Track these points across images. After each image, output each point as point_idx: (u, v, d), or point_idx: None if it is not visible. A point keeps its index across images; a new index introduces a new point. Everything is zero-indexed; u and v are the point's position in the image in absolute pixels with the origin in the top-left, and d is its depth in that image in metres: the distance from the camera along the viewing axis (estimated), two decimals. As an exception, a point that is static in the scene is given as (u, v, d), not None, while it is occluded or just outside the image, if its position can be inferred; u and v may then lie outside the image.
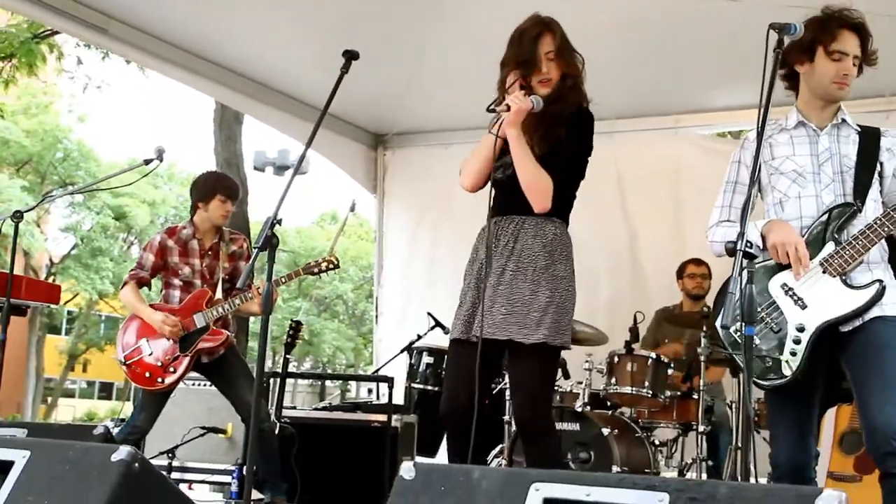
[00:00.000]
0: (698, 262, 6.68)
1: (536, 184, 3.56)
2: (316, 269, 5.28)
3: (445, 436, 3.75)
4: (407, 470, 2.21)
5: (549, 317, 3.52)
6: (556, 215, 3.67)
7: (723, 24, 5.79)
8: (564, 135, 3.61)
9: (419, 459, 6.08)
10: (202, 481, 6.12)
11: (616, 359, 5.83)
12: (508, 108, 3.52)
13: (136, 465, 2.37)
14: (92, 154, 27.48)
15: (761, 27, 3.18)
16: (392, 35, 6.36)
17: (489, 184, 3.74)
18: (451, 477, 2.14)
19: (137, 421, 5.13)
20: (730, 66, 6.37)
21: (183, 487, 5.93)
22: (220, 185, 5.30)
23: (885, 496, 3.09)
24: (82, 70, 14.27)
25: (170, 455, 5.93)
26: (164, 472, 4.84)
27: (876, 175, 3.36)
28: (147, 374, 5.12)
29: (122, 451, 2.39)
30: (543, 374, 3.65)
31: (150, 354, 5.15)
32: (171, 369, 5.11)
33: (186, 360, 5.12)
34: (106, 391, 41.88)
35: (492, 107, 3.62)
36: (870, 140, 3.40)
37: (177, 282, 5.27)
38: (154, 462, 4.10)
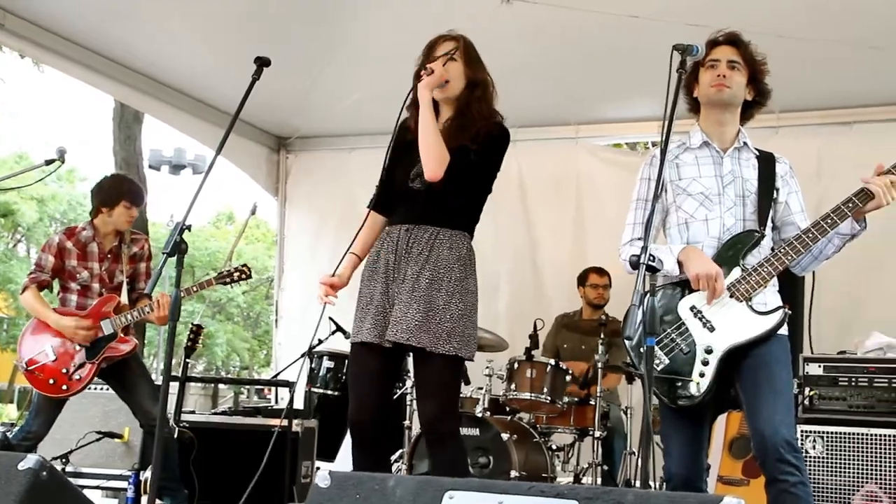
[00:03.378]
0: (601, 272, 6.81)
1: (436, 151, 3.60)
2: (228, 280, 5.19)
3: (350, 443, 3.76)
4: (322, 478, 2.23)
5: (460, 328, 3.59)
6: (468, 230, 3.76)
7: (623, 38, 5.93)
8: (474, 150, 3.66)
9: (319, 464, 6.09)
10: (97, 487, 5.98)
11: (516, 365, 5.93)
12: (431, 72, 3.67)
13: (44, 473, 2.34)
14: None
15: (660, 43, 3.30)
16: (296, 37, 6.35)
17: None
18: (365, 485, 2.17)
19: (33, 427, 4.99)
20: (629, 79, 6.54)
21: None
22: (125, 191, 5.19)
23: (771, 501, 3.24)
24: (-29, 64, 13.83)
25: (63, 460, 5.79)
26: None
27: (772, 201, 3.53)
28: (51, 381, 4.99)
29: (30, 460, 2.35)
30: (452, 382, 3.72)
31: (54, 361, 5.02)
32: (77, 376, 5.00)
33: (93, 368, 5.02)
34: (-13, 393, 40.43)
35: (418, 71, 3.72)
36: (767, 166, 3.56)
37: (74, 286, 5.13)
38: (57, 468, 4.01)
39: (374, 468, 3.58)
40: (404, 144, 3.75)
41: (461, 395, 6.06)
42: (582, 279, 6.92)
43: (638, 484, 4.40)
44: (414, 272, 3.63)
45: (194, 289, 5.18)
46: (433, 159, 3.60)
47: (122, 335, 5.07)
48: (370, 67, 6.62)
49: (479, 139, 3.67)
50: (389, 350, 3.63)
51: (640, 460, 3.02)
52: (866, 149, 6.10)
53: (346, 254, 3.85)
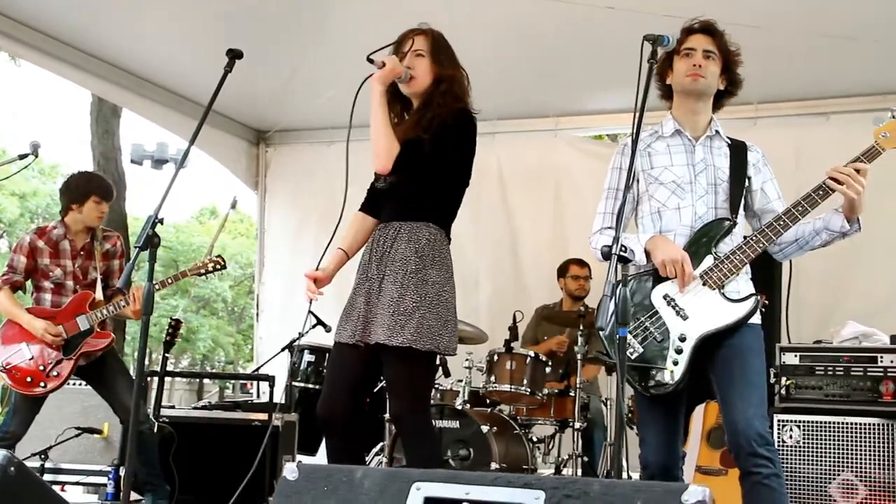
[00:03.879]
0: (581, 263, 6.82)
1: (383, 143, 3.63)
2: (203, 270, 5.21)
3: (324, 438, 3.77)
4: (290, 470, 2.23)
5: (414, 320, 3.54)
6: (433, 221, 3.72)
7: (600, 29, 5.93)
8: (426, 140, 3.63)
9: (300, 458, 6.08)
10: (76, 483, 5.97)
11: (496, 357, 5.93)
12: (384, 65, 3.65)
13: (12, 469, 2.32)
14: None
15: (636, 34, 3.30)
16: (275, 31, 6.33)
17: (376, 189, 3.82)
18: (333, 477, 2.17)
19: (11, 426, 4.97)
20: (607, 70, 6.52)
21: (55, 489, 5.77)
22: (94, 186, 5.17)
23: (745, 493, 3.25)
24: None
25: (42, 456, 5.77)
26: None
27: (744, 189, 3.53)
28: (28, 379, 4.97)
29: (-3, 455, 2.34)
30: (413, 375, 3.65)
31: (31, 359, 5.00)
32: (55, 373, 4.98)
33: (71, 364, 5.01)
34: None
35: (370, 56, 3.69)
36: (739, 154, 3.57)
37: (48, 284, 5.12)
38: (26, 464, 3.99)
39: (347, 459, 3.59)
40: None
41: (441, 388, 6.08)
42: (562, 271, 6.93)
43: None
44: (378, 271, 3.66)
45: (168, 281, 5.17)
46: (379, 151, 3.63)
47: (98, 330, 5.06)
48: (349, 61, 6.51)
49: (432, 129, 3.64)
50: (365, 349, 3.63)
51: (614, 450, 3.02)
52: (844, 139, 6.08)
53: (327, 247, 3.84)
